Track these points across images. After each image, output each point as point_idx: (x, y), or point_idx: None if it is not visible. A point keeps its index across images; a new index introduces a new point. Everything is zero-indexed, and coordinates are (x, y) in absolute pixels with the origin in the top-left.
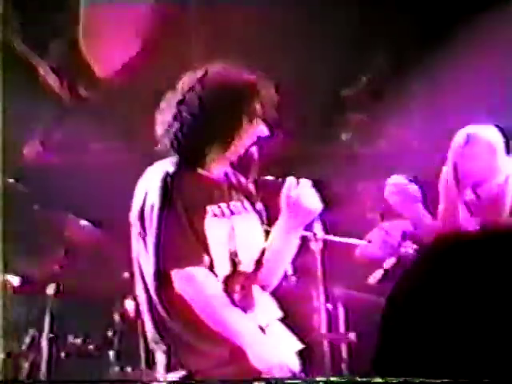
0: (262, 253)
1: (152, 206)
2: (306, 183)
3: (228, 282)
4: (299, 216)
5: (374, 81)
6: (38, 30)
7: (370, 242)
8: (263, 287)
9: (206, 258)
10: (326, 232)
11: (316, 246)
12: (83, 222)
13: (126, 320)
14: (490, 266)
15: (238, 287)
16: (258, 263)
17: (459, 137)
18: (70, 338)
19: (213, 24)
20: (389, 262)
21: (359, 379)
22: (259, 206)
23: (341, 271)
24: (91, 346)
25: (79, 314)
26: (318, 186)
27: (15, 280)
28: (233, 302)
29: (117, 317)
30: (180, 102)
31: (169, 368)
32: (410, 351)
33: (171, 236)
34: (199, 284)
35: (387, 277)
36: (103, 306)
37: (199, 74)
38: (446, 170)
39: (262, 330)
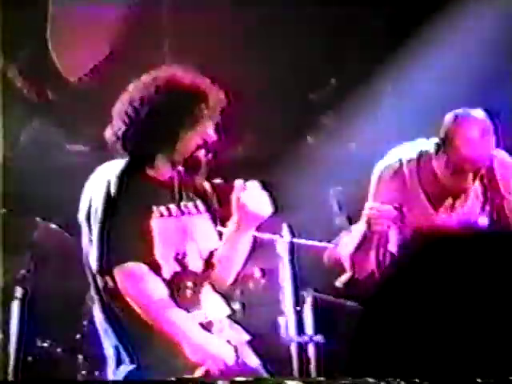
0: (212, 254)
1: (96, 207)
2: (254, 185)
3: (176, 280)
4: (249, 218)
5: (343, 83)
6: (6, 32)
7: (337, 245)
8: (215, 288)
9: (149, 257)
10: (294, 235)
11: (283, 249)
12: (52, 226)
13: (95, 324)
14: (470, 265)
15: (189, 284)
16: (209, 264)
17: (449, 120)
18: (38, 342)
19: (182, 27)
20: None
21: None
22: (215, 205)
23: (308, 274)
24: (59, 350)
25: (47, 317)
26: (284, 189)
27: None
28: (173, 299)
29: (85, 320)
30: (128, 104)
31: (119, 362)
32: (389, 351)
33: (114, 235)
34: (138, 279)
35: (354, 280)
36: (71, 310)
37: (148, 77)
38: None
39: (203, 326)
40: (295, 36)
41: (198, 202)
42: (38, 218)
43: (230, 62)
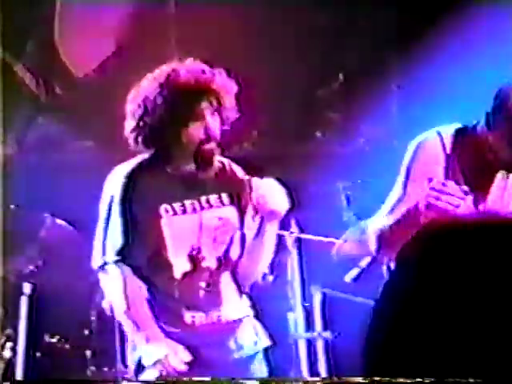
0: (229, 248)
1: (106, 205)
2: (271, 182)
3: (188, 279)
4: (268, 215)
5: (350, 79)
6: (13, 29)
7: (345, 240)
8: (239, 286)
9: (158, 256)
10: (302, 231)
11: (292, 245)
12: (60, 222)
13: (103, 319)
14: (485, 260)
15: (203, 284)
16: (226, 259)
17: (508, 86)
18: (47, 338)
19: (189, 24)
20: (365, 261)
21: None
22: (247, 194)
23: (317, 269)
24: (67, 346)
25: (55, 313)
26: (293, 185)
27: None
28: (149, 302)
29: (93, 316)
30: (141, 107)
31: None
32: (405, 350)
33: (118, 234)
34: (119, 281)
35: (363, 275)
36: (79, 306)
37: (154, 75)
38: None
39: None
40: (304, 32)
41: (224, 195)
42: (46, 214)
43: (237, 59)
